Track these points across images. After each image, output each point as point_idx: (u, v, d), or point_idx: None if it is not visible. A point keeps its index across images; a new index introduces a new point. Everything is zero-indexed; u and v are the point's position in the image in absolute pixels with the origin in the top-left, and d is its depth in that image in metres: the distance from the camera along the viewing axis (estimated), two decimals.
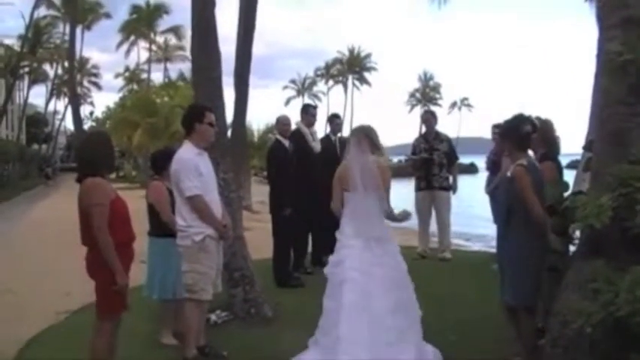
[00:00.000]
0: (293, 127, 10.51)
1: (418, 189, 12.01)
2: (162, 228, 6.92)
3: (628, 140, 5.15)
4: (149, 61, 79.23)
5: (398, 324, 6.06)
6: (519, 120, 5.94)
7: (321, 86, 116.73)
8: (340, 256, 6.36)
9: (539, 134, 6.22)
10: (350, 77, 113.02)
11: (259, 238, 12.25)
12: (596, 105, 6.85)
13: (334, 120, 11.69)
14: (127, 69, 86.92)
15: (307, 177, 10.03)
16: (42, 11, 64.47)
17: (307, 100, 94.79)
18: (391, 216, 6.51)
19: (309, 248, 11.12)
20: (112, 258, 5.33)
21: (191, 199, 6.22)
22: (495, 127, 10.32)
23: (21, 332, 7.74)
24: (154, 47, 79.57)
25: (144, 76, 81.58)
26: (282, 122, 10.35)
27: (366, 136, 6.57)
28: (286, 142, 10.08)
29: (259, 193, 27.60)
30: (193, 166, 6.26)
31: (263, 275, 8.80)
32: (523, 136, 5.86)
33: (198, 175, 6.26)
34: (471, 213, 22.79)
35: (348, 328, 5.89)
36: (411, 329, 6.17)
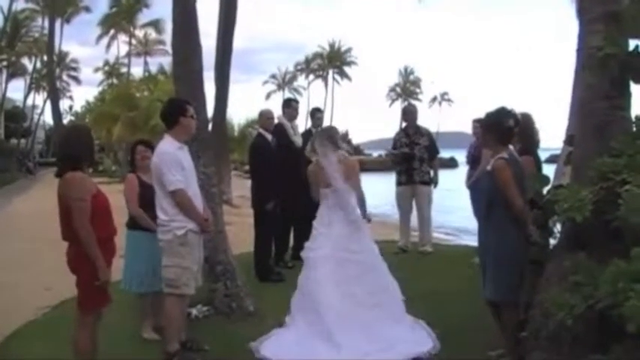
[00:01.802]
0: (275, 121, 10.49)
1: (399, 183, 12.01)
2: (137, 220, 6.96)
3: (609, 134, 5.18)
4: (129, 55, 78.74)
5: (377, 302, 6.97)
6: (503, 114, 5.95)
7: (301, 81, 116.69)
8: (316, 242, 7.25)
9: (519, 128, 6.25)
10: (330, 72, 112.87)
11: (240, 232, 12.24)
12: (577, 100, 6.89)
13: (316, 114, 11.68)
14: (106, 63, 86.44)
15: (289, 171, 10.00)
16: (20, 4, 63.86)
17: (287, 95, 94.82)
18: (363, 205, 7.45)
19: (291, 242, 11.11)
20: (94, 253, 5.31)
21: (174, 193, 6.18)
22: (476, 121, 10.33)
23: (0, 327, 7.69)
24: (133, 41, 79.06)
25: (124, 70, 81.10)
26: (266, 116, 10.32)
27: (329, 137, 7.43)
28: (269, 136, 10.07)
29: (240, 187, 27.57)
30: (176, 159, 6.23)
31: (244, 269, 8.79)
32: (506, 130, 5.88)
33: (181, 169, 6.24)
34: (452, 207, 22.85)
35: (327, 301, 6.80)
36: (391, 306, 7.08)
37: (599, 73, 5.23)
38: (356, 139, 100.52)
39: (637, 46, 5.17)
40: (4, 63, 66.43)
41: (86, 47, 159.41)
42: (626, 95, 5.34)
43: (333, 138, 7.45)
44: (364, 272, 7.08)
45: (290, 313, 7.18)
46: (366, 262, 7.16)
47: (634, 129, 5.28)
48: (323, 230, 7.30)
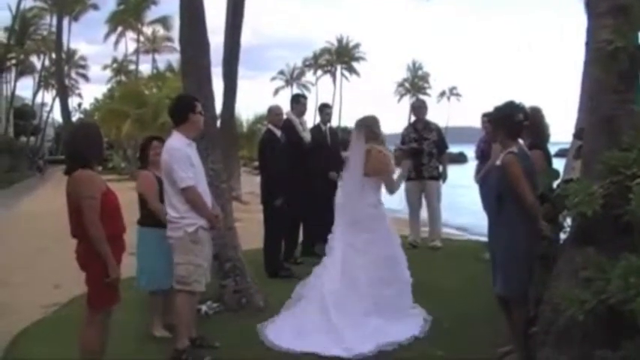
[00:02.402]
0: (284, 117, 10.48)
1: (408, 178, 11.94)
2: (151, 218, 6.91)
3: (618, 128, 5.15)
4: (137, 52, 78.75)
5: (378, 294, 7.13)
6: (512, 108, 5.92)
7: (309, 76, 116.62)
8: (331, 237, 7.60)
9: (529, 122, 6.22)
10: (339, 67, 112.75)
11: (249, 228, 12.24)
12: (586, 93, 6.85)
13: (324, 109, 11.66)
14: (114, 60, 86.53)
15: (298, 167, 10.01)
16: (29, 2, 64.07)
17: (296, 91, 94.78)
18: (395, 186, 7.66)
19: (300, 238, 11.11)
20: (104, 251, 5.31)
21: (185, 190, 6.18)
22: (485, 115, 10.30)
23: (10, 325, 7.71)
24: (141, 38, 79.01)
25: (132, 67, 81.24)
26: (275, 112, 10.31)
27: (366, 126, 7.59)
28: (278, 132, 10.06)
29: (249, 183, 27.61)
30: (186, 156, 6.23)
31: (254, 266, 8.79)
32: (516, 124, 5.85)
33: (191, 165, 6.24)
34: (461, 202, 22.81)
35: (328, 284, 7.12)
36: (395, 302, 7.22)
37: (608, 67, 5.20)
38: None
39: None
40: (13, 61, 66.64)
41: (94, 45, 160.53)
42: (635, 89, 5.31)
43: (371, 128, 7.61)
44: (370, 263, 7.23)
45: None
46: (372, 252, 7.28)
47: None
48: (337, 216, 7.70)
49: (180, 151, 6.24)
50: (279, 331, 6.99)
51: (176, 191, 6.23)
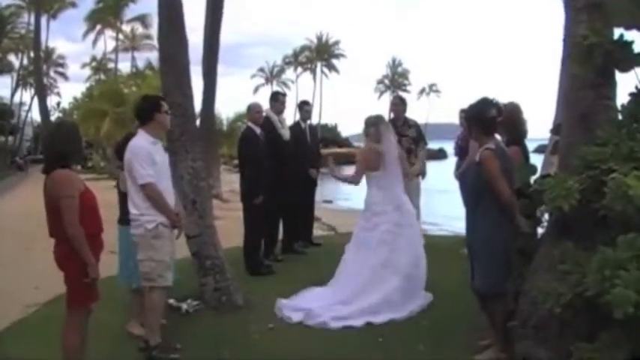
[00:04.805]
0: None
1: None
2: None
3: (595, 123, 5.21)
4: (116, 50, 78.31)
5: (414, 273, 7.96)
6: (484, 104, 5.95)
7: (289, 74, 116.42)
8: (373, 222, 8.11)
9: (505, 118, 6.25)
10: (318, 64, 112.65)
11: (229, 226, 12.22)
12: (564, 89, 6.91)
13: (304, 107, 11.64)
14: (93, 59, 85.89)
15: (277, 164, 10.00)
16: (5, 0, 63.52)
17: (276, 88, 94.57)
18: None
19: (280, 236, 11.11)
20: (84, 250, 5.30)
21: (144, 186, 6.23)
22: (463, 111, 10.33)
23: None
24: (120, 36, 78.65)
25: (111, 65, 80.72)
26: (255, 109, 10.27)
27: (387, 122, 8.51)
28: (258, 130, 10.02)
29: (229, 181, 27.57)
30: (147, 154, 6.28)
31: (234, 263, 8.78)
32: (489, 120, 5.87)
33: (152, 163, 6.29)
34: (441, 198, 22.88)
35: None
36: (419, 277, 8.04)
37: (584, 63, 5.25)
38: (345, 131, 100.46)
39: (621, 35, 5.19)
40: None
41: (73, 43, 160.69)
42: (612, 84, 5.36)
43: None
44: (410, 244, 8.07)
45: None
46: (413, 235, 8.20)
47: (619, 117, 5.31)
48: (377, 209, 8.15)
49: (142, 149, 6.30)
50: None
51: (137, 189, 6.28)
